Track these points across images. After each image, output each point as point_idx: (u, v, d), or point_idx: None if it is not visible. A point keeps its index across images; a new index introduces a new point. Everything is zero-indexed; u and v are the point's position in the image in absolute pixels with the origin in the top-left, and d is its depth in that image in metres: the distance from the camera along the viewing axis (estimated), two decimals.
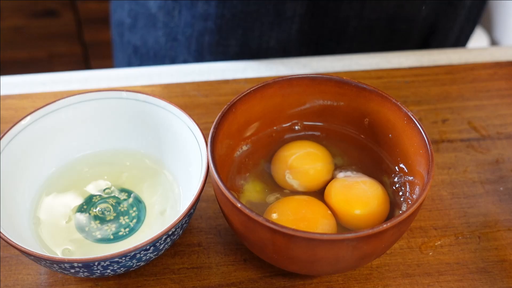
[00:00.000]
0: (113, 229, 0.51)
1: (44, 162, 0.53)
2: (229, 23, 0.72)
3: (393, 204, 0.49)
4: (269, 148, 0.53)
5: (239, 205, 0.42)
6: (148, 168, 0.55)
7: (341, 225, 0.48)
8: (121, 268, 0.45)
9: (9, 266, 0.50)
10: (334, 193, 0.49)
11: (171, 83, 0.67)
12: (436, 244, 0.52)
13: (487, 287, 0.49)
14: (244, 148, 0.53)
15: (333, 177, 0.51)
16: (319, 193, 0.50)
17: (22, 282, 0.49)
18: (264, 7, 0.69)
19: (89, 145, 0.56)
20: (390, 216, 0.49)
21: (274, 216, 0.47)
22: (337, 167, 0.52)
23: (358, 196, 0.49)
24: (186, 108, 0.54)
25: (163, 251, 0.47)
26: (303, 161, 0.51)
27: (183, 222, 0.46)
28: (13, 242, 0.43)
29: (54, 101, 0.53)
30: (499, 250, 0.52)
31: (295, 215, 0.47)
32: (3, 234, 0.44)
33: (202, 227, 0.53)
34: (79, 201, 0.53)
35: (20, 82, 0.67)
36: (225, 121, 0.49)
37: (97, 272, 0.44)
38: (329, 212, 0.48)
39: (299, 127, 0.54)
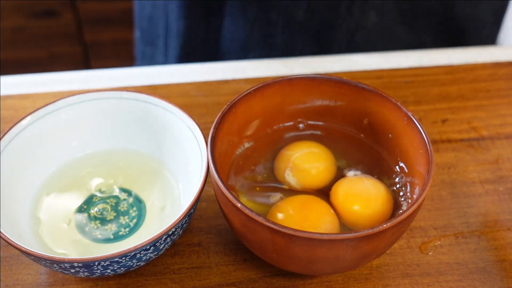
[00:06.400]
0: (113, 229, 0.51)
1: (44, 162, 0.53)
2: None
3: (393, 204, 0.49)
4: (269, 148, 0.53)
5: (239, 205, 0.42)
6: (148, 168, 0.55)
7: (345, 226, 0.48)
8: (121, 268, 0.45)
9: (9, 266, 0.50)
10: (342, 192, 0.49)
11: (171, 83, 0.67)
12: (435, 244, 0.52)
13: (487, 287, 0.49)
14: (244, 148, 0.53)
15: (340, 176, 0.51)
16: (321, 193, 0.50)
17: (22, 282, 0.49)
18: None
19: (89, 145, 0.56)
20: (390, 216, 0.49)
21: (278, 216, 0.47)
22: (340, 167, 0.52)
23: (366, 195, 0.49)
24: (186, 108, 0.54)
25: (163, 251, 0.47)
26: (306, 160, 0.51)
27: (183, 222, 0.46)
28: (13, 242, 0.43)
29: (54, 101, 0.53)
30: (499, 250, 0.52)
31: (298, 215, 0.47)
32: (3, 234, 0.44)
33: (202, 227, 0.53)
34: (79, 201, 0.53)
35: (20, 82, 0.67)
36: (225, 121, 0.49)
37: (97, 272, 0.45)
38: (332, 211, 0.48)
39: (299, 127, 0.54)
